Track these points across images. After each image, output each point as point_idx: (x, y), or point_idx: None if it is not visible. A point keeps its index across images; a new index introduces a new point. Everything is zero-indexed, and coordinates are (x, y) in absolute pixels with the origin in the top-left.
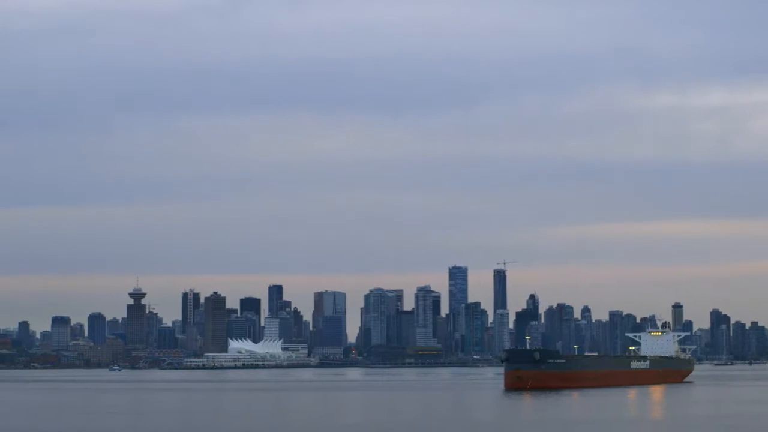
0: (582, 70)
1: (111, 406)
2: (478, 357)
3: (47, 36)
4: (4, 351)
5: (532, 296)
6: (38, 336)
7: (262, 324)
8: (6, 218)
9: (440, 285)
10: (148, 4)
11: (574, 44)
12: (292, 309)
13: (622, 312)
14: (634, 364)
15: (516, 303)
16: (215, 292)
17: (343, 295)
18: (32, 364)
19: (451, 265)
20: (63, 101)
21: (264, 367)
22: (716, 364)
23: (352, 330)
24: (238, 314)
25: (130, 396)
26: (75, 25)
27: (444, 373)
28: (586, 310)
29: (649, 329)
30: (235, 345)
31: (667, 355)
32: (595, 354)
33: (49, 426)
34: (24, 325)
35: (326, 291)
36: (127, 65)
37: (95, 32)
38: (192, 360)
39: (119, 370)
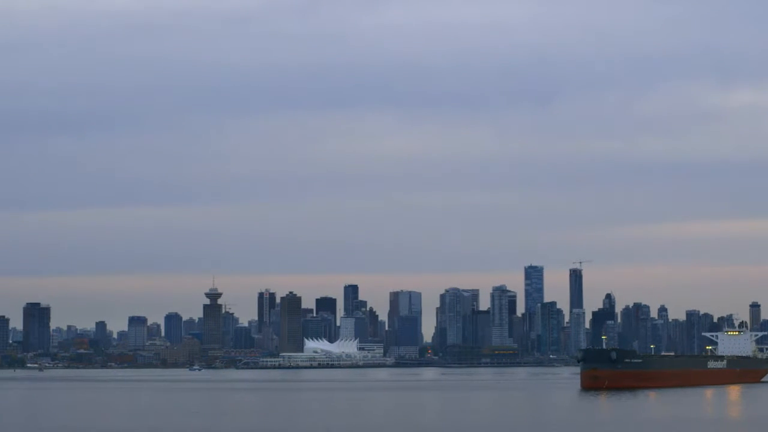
0: (660, 68)
1: (194, 405)
2: (554, 357)
3: (126, 36)
4: (82, 351)
5: (608, 296)
6: (115, 336)
7: (338, 324)
8: (86, 219)
9: (516, 284)
10: (225, 5)
11: (653, 42)
12: (368, 309)
13: (698, 311)
14: (711, 364)
15: (592, 302)
16: (291, 292)
17: (418, 295)
18: (109, 363)
19: (527, 264)
20: (143, 101)
21: (340, 366)
22: None
23: (428, 330)
24: (314, 314)
25: (213, 395)
26: (153, 26)
27: (520, 373)
28: (662, 310)
29: (726, 329)
30: (311, 345)
31: (744, 354)
32: (672, 354)
33: (132, 425)
34: (101, 325)
35: (402, 290)
36: (205, 66)
37: (173, 33)
38: (268, 360)
39: (199, 370)
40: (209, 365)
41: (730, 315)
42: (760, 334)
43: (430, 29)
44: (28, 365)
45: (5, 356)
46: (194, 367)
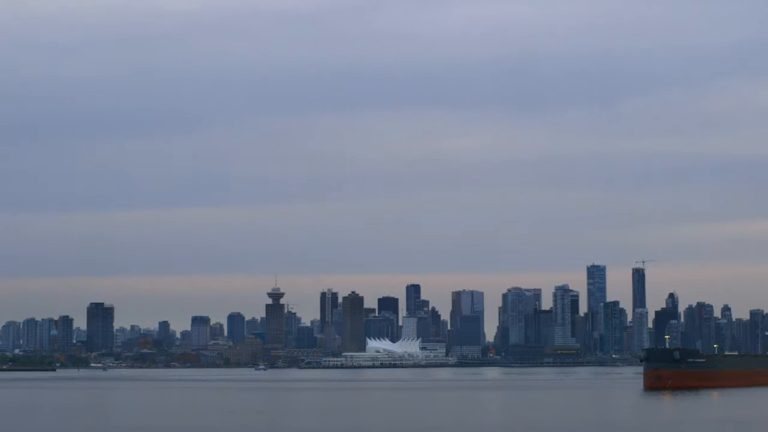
0: (723, 65)
1: (260, 404)
2: (617, 356)
3: (186, 37)
4: (145, 350)
5: (671, 295)
6: (178, 336)
7: (400, 323)
8: (146, 219)
9: (579, 284)
10: (286, 6)
11: (716, 39)
12: (430, 308)
13: (762, 311)
14: None
15: (655, 302)
16: (353, 292)
17: (480, 294)
18: (172, 363)
19: (590, 263)
20: (192, 102)
21: (402, 366)
22: None
23: (490, 329)
24: (376, 314)
25: (279, 395)
26: (212, 27)
27: (583, 373)
28: (726, 309)
29: None
30: (373, 344)
31: None
32: (736, 353)
33: (197, 423)
34: (164, 325)
35: (464, 290)
36: (265, 66)
37: (233, 34)
38: (330, 359)
39: (264, 370)
40: (272, 365)
41: None
42: None
43: (490, 29)
44: (92, 365)
45: (69, 356)
46: (260, 367)
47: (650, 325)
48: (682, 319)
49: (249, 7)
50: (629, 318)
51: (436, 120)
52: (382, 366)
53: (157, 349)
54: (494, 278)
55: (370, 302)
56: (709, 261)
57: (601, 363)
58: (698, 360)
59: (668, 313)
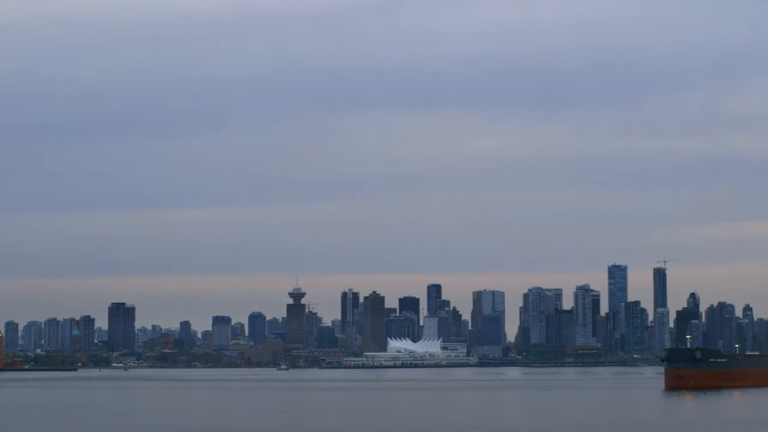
0: (745, 66)
1: (283, 404)
2: (638, 356)
3: (207, 39)
4: (167, 350)
5: (692, 295)
6: (199, 335)
7: (421, 323)
8: (167, 219)
9: (600, 284)
10: (309, 5)
11: (737, 39)
12: (451, 308)
13: None
14: None
15: (676, 301)
16: (374, 292)
17: (501, 294)
18: (194, 363)
19: (611, 263)
20: (223, 103)
21: (423, 366)
22: None
23: (511, 329)
24: (397, 313)
25: (301, 395)
26: (234, 27)
27: (604, 373)
28: (747, 309)
29: None
30: (394, 344)
31: None
32: (757, 353)
33: (221, 423)
34: (185, 325)
35: (485, 290)
36: (288, 66)
37: (255, 34)
38: (351, 359)
39: (286, 369)
40: (293, 365)
41: None
42: None
43: (512, 28)
44: (114, 365)
45: (91, 356)
46: (281, 367)
47: (671, 324)
48: (703, 319)
49: (271, 7)
50: (650, 318)
51: (458, 119)
52: (403, 366)
53: (178, 349)
54: (515, 278)
55: (391, 302)
56: (731, 260)
57: (622, 363)
58: (719, 360)
59: (689, 312)
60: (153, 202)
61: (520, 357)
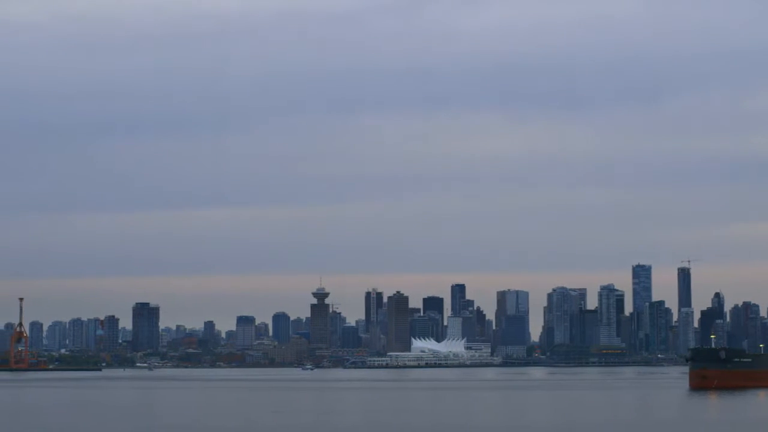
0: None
1: (310, 403)
2: (663, 356)
3: (228, 38)
4: (191, 350)
5: (717, 294)
6: (223, 335)
7: (445, 323)
8: (191, 219)
9: (624, 283)
10: (327, 5)
11: (759, 37)
12: (475, 308)
13: None
14: None
15: (701, 301)
16: (398, 292)
17: (526, 294)
18: (218, 363)
19: (635, 263)
20: (242, 102)
21: (447, 366)
22: None
23: (535, 329)
24: (421, 313)
25: (328, 395)
26: (256, 27)
27: (628, 373)
28: None
29: None
30: (418, 344)
31: None
32: None
33: (236, 423)
34: (209, 325)
35: (509, 290)
36: (308, 66)
37: (276, 33)
38: (375, 359)
39: (311, 369)
40: (317, 365)
41: None
42: None
43: (533, 27)
44: (138, 364)
45: (115, 356)
46: (306, 367)
47: (696, 324)
48: (728, 319)
49: (292, 8)
50: (675, 318)
51: (479, 119)
52: (427, 366)
53: (202, 349)
54: (539, 278)
55: (415, 302)
56: (756, 260)
57: (647, 363)
58: (744, 360)
59: (714, 312)
60: (177, 202)
61: (544, 357)
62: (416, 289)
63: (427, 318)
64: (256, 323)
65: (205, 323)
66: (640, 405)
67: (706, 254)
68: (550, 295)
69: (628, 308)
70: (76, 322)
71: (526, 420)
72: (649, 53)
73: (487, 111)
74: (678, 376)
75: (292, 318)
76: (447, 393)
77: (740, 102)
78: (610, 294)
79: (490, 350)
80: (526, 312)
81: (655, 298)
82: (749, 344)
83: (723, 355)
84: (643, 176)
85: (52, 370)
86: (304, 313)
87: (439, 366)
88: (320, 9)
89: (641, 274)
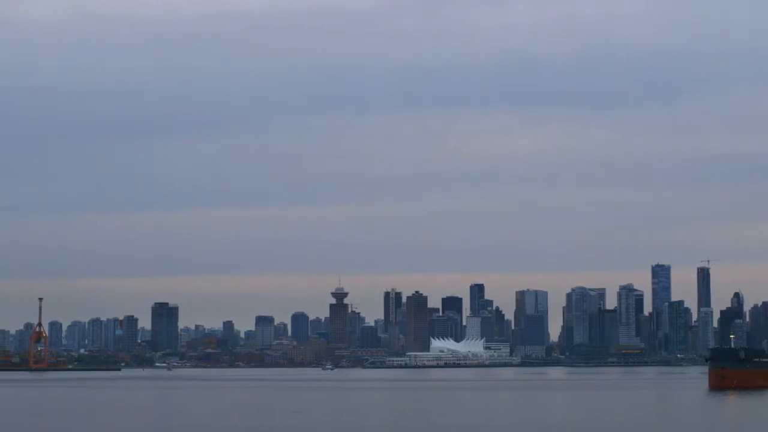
0: None
1: (331, 403)
2: (682, 356)
3: (241, 37)
4: (210, 350)
5: (736, 294)
6: (242, 335)
7: (464, 323)
8: (210, 219)
9: (643, 283)
10: (345, 3)
11: None
12: (494, 308)
13: None
14: None
15: (720, 301)
16: (417, 291)
17: (545, 294)
18: (237, 363)
19: (654, 263)
20: (257, 102)
21: (466, 366)
22: None
23: (555, 329)
24: (440, 313)
25: (351, 394)
26: (269, 26)
27: (647, 372)
28: None
29: None
30: (437, 344)
31: None
32: None
33: (258, 423)
34: (228, 325)
35: (528, 290)
36: (323, 65)
37: (291, 32)
38: (394, 359)
39: (331, 369)
40: (336, 364)
41: None
42: None
43: (552, 27)
44: (157, 364)
45: (134, 356)
46: (327, 366)
47: (715, 324)
48: (747, 319)
49: (307, 7)
50: (694, 317)
51: (497, 119)
52: (446, 366)
53: (221, 349)
54: (558, 278)
55: (434, 302)
56: None
57: (666, 363)
58: (764, 360)
59: (733, 312)
60: (195, 202)
61: (563, 357)
62: (435, 289)
63: (446, 318)
64: (275, 323)
65: (224, 323)
66: (660, 405)
67: (726, 254)
68: (569, 295)
69: (648, 308)
70: (96, 322)
71: (546, 420)
72: (666, 52)
73: (507, 110)
74: (697, 376)
75: (311, 318)
76: (466, 393)
77: (758, 101)
78: (629, 294)
79: (509, 350)
80: (545, 312)
81: (674, 297)
82: None
83: (742, 355)
84: (662, 176)
85: (71, 370)
86: (323, 313)
87: (458, 366)
88: (336, 8)
89: (660, 274)
